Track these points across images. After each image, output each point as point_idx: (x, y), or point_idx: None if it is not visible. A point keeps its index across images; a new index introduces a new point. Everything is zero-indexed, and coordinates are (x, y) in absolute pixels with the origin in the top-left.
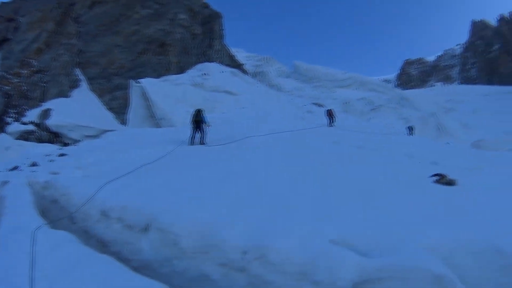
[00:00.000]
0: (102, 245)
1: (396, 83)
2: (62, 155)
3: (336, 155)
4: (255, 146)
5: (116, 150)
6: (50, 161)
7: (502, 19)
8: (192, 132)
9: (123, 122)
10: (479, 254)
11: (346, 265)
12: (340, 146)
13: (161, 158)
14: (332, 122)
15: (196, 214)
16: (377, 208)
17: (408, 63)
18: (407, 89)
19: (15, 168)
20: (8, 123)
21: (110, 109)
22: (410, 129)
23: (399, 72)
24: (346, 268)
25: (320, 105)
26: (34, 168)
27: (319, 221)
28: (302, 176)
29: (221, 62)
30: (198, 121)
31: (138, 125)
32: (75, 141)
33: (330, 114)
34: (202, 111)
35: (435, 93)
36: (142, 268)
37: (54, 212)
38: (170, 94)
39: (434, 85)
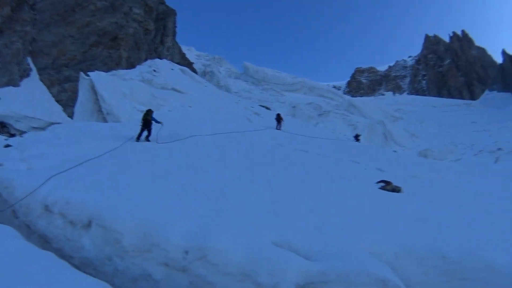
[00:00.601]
0: (44, 241)
1: (345, 90)
2: (7, 146)
3: (281, 158)
4: (200, 145)
5: (62, 144)
6: None
7: (454, 36)
8: (140, 130)
9: (71, 115)
10: (423, 259)
11: (290, 268)
12: (286, 149)
13: (106, 153)
14: (280, 125)
15: (138, 211)
16: (321, 212)
17: (359, 71)
18: (356, 96)
19: None
20: None
21: (59, 101)
22: (357, 136)
23: (349, 79)
24: (290, 271)
25: (267, 108)
26: None
27: (261, 222)
28: (246, 177)
29: (172, 60)
30: (147, 120)
31: (86, 118)
32: (21, 132)
33: (278, 117)
34: (151, 111)
35: (385, 102)
36: (84, 266)
37: None
38: (118, 89)
39: (383, 94)
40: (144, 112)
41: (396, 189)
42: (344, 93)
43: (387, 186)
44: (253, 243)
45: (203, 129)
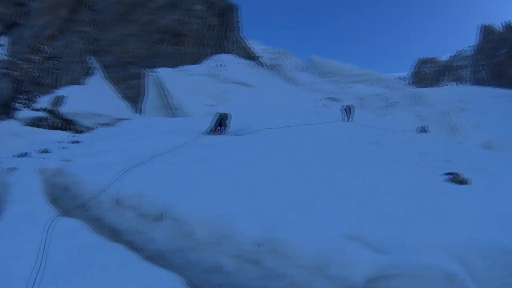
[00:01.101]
0: (115, 234)
1: (410, 80)
2: (75, 142)
3: (350, 151)
4: (271, 138)
5: (131, 139)
6: (63, 148)
7: (507, 26)
8: (213, 126)
9: (138, 111)
10: (488, 253)
11: (361, 261)
12: (355, 141)
13: (177, 148)
14: (349, 117)
15: (211, 204)
16: (391, 204)
17: (422, 62)
18: (421, 87)
19: (24, 154)
20: (17, 109)
21: (125, 97)
22: (424, 128)
23: (413, 70)
24: (361, 264)
25: (335, 100)
26: (45, 154)
27: (332, 215)
28: (317, 170)
29: (237, 54)
30: (221, 124)
31: (153, 114)
32: (89, 129)
33: (348, 109)
34: (228, 116)
35: (448, 93)
36: (155, 258)
37: (65, 199)
38: (185, 84)
39: (447, 85)
40: (220, 116)
41: (464, 181)
42: (409, 84)
43: (454, 178)
44: (325, 236)
45: (273, 122)
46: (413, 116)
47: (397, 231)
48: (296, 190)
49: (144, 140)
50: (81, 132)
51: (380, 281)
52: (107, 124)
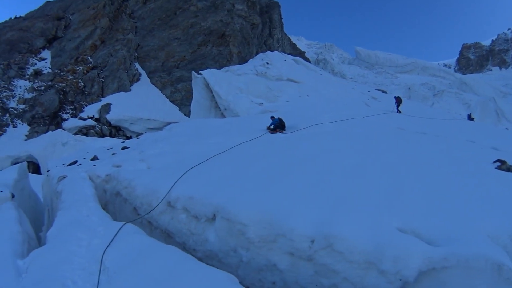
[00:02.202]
0: (167, 236)
1: (456, 67)
2: (124, 148)
3: (401, 142)
4: (321, 133)
5: (180, 142)
6: (112, 154)
7: None
8: (272, 127)
9: (187, 114)
10: None
11: (413, 254)
12: (405, 132)
13: (230, 149)
14: (398, 108)
15: (263, 202)
16: (440, 195)
17: (466, 48)
18: (466, 73)
19: (74, 162)
20: (64, 119)
21: (173, 101)
22: (470, 115)
23: (458, 56)
24: (414, 257)
25: (384, 92)
26: (94, 162)
27: (384, 208)
28: (366, 164)
29: (283, 51)
30: (279, 126)
31: (202, 116)
32: (138, 134)
33: (397, 100)
34: (283, 123)
35: (492, 78)
36: (208, 258)
37: (116, 205)
38: (233, 84)
39: (491, 70)
40: (278, 121)
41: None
42: (455, 71)
43: (503, 165)
44: (377, 230)
45: (323, 117)
46: (460, 103)
47: (448, 222)
48: (348, 185)
49: (195, 143)
50: (130, 138)
51: (431, 273)
52: (155, 129)
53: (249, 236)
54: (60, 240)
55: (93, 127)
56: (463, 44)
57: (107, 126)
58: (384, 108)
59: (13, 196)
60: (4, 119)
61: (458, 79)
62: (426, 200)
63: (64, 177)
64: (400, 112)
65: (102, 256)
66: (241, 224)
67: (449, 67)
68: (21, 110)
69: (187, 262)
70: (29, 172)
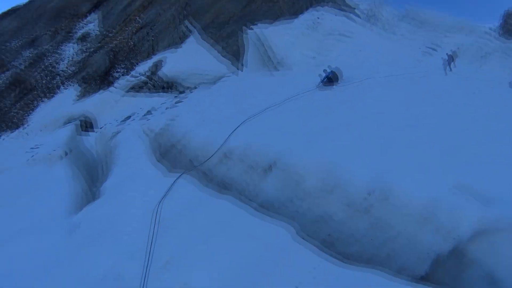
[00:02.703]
0: (223, 187)
1: (500, 32)
2: (178, 102)
3: (454, 101)
4: (375, 87)
5: (234, 95)
6: (166, 108)
7: None
8: (322, 80)
9: (239, 68)
10: None
11: (468, 213)
12: (457, 91)
13: (285, 101)
14: (450, 66)
15: (320, 153)
16: (496, 156)
17: (508, 14)
18: (510, 39)
19: (128, 118)
20: (116, 78)
21: (225, 56)
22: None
23: (501, 22)
24: (468, 216)
25: (434, 49)
26: (149, 116)
27: (441, 165)
28: (421, 120)
29: (333, 6)
30: (330, 78)
31: (255, 70)
32: (191, 89)
33: (449, 58)
34: (338, 72)
35: None
36: (263, 209)
37: (171, 157)
38: (284, 39)
39: None
40: (333, 71)
41: None
42: (499, 36)
43: None
44: (433, 186)
45: (375, 71)
46: (507, 68)
47: (504, 183)
48: (404, 139)
49: (249, 95)
50: (183, 92)
51: (483, 234)
52: (209, 83)
53: (306, 187)
54: (115, 193)
55: (146, 83)
56: (506, 10)
57: (159, 82)
58: (435, 65)
59: (66, 154)
60: (55, 82)
61: (504, 44)
62: (481, 160)
63: (117, 132)
64: (451, 70)
65: (157, 208)
66: (298, 175)
67: (494, 31)
68: (71, 72)
69: (244, 212)
70: (82, 130)
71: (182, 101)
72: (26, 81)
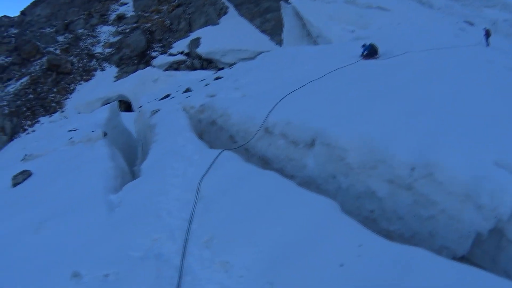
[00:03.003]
0: (264, 163)
1: None
2: (217, 78)
3: (497, 73)
4: (415, 61)
5: (274, 69)
6: (206, 85)
7: None
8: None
9: (279, 42)
10: None
11: (509, 191)
12: (495, 65)
13: (327, 74)
14: (488, 41)
15: (362, 128)
16: None
17: None
18: None
19: (167, 96)
20: (153, 57)
21: (263, 31)
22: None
23: None
24: (509, 194)
25: (471, 24)
26: (188, 93)
27: (483, 141)
28: (461, 95)
29: None
30: (370, 52)
31: (294, 44)
32: (230, 65)
33: (486, 33)
34: (378, 47)
35: None
36: (306, 184)
37: (212, 134)
38: (322, 12)
39: None
40: (373, 45)
41: None
42: None
43: None
44: (475, 162)
45: (415, 45)
46: None
47: None
48: (445, 114)
49: (289, 70)
50: (222, 69)
51: None
52: (247, 59)
53: (348, 162)
54: (155, 171)
55: (184, 61)
56: None
57: (198, 60)
58: (473, 39)
59: (105, 134)
60: (91, 64)
61: None
62: None
63: (157, 110)
64: (489, 45)
65: (199, 185)
66: (341, 149)
67: None
68: (107, 54)
69: (287, 187)
70: (121, 110)
71: (222, 77)
72: (62, 66)
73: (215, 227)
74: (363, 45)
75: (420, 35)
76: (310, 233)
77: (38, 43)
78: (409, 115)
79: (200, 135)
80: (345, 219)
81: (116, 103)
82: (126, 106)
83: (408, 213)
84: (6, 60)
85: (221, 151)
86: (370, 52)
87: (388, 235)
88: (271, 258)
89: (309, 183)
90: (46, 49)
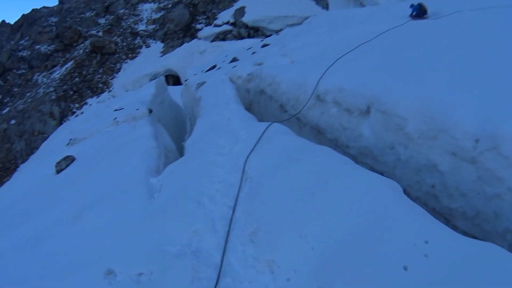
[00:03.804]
0: (317, 132)
1: None
2: (264, 45)
3: None
4: (468, 21)
5: (322, 33)
6: (253, 53)
7: None
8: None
9: (325, 7)
10: None
11: None
12: None
13: (379, 36)
14: None
15: (422, 93)
16: None
17: None
18: None
19: (213, 67)
20: (198, 29)
21: None
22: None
23: None
24: None
25: None
26: (234, 63)
27: None
28: None
29: None
30: (420, 13)
31: (341, 7)
32: (277, 31)
33: None
34: (423, 6)
35: None
36: (362, 155)
37: (261, 103)
38: None
39: None
40: (418, 5)
41: None
42: None
43: None
44: None
45: (464, 4)
46: None
47: None
48: (509, 80)
49: (337, 33)
50: (269, 36)
51: None
52: (295, 24)
53: (408, 131)
54: (198, 149)
55: (230, 31)
56: None
57: (244, 29)
58: None
59: (150, 111)
60: (135, 42)
61: None
62: None
63: (203, 83)
64: None
65: (244, 165)
66: (399, 117)
67: None
68: (151, 30)
69: (344, 166)
70: (170, 84)
71: (269, 44)
72: (106, 47)
73: (261, 216)
74: (411, 5)
75: None
76: (370, 225)
77: (80, 28)
78: (469, 79)
79: (249, 106)
80: (409, 206)
81: (162, 78)
82: (174, 80)
83: (472, 190)
84: (49, 48)
85: (269, 124)
86: (419, 12)
87: (450, 213)
88: (324, 257)
89: (365, 154)
90: (88, 33)
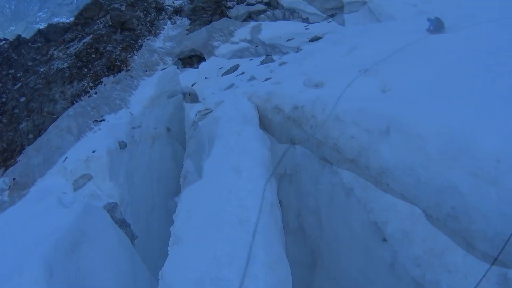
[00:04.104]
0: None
1: None
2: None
3: None
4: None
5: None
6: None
7: None
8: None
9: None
10: None
11: None
12: None
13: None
14: None
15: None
16: None
17: None
18: None
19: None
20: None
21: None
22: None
23: None
24: None
25: None
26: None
27: None
28: None
29: None
30: (437, 27)
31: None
32: (296, 49)
33: None
34: (440, 20)
35: None
36: (383, 176)
37: (279, 123)
38: None
39: None
40: (436, 19)
41: None
42: None
43: None
44: None
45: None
46: None
47: None
48: None
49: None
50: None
51: None
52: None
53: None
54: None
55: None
56: None
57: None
58: None
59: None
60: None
61: None
62: None
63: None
64: None
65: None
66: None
67: None
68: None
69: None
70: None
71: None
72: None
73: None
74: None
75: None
76: None
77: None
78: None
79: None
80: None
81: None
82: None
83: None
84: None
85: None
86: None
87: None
88: None
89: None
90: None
